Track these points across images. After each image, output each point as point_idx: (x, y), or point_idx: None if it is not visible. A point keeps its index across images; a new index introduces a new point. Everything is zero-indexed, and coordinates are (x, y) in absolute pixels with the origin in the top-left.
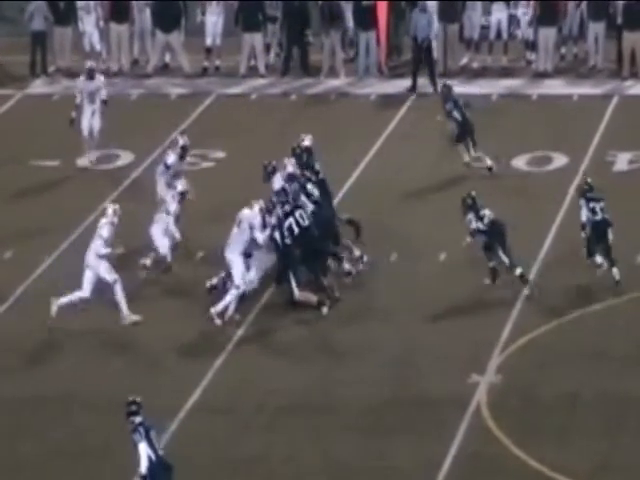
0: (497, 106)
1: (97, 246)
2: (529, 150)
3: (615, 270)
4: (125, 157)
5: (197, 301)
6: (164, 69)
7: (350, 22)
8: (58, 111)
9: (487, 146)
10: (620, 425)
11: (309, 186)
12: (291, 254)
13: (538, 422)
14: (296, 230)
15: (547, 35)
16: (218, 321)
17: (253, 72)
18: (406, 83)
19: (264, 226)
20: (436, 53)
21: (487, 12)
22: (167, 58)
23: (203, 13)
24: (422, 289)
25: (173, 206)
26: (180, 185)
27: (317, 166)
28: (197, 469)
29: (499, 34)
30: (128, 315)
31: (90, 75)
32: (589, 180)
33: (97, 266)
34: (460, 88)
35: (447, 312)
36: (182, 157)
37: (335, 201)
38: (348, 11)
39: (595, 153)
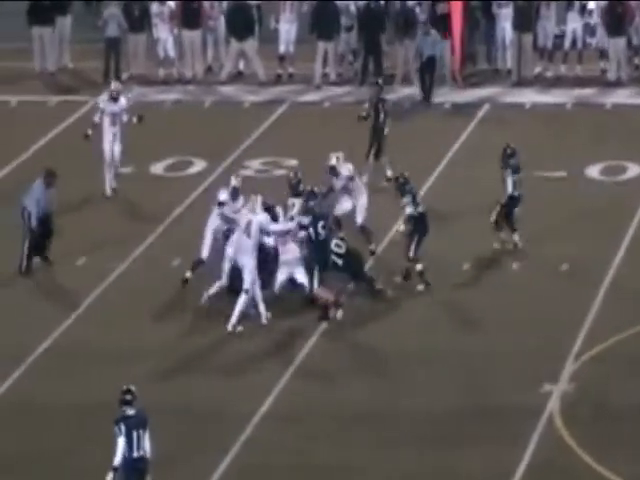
0: (571, 115)
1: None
2: (603, 159)
3: (516, 235)
4: (198, 164)
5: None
6: (238, 76)
7: None
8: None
9: (560, 155)
10: None
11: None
12: (322, 249)
13: (611, 432)
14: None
15: (616, 45)
16: (240, 328)
17: (325, 80)
18: (482, 92)
19: (274, 219)
20: (509, 62)
21: (562, 21)
22: (241, 65)
23: (277, 21)
24: (495, 298)
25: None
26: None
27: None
28: (269, 476)
29: (574, 43)
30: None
31: (113, 97)
32: (512, 145)
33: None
34: (534, 97)
35: (520, 320)
36: (234, 197)
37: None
38: (422, 20)
39: None
